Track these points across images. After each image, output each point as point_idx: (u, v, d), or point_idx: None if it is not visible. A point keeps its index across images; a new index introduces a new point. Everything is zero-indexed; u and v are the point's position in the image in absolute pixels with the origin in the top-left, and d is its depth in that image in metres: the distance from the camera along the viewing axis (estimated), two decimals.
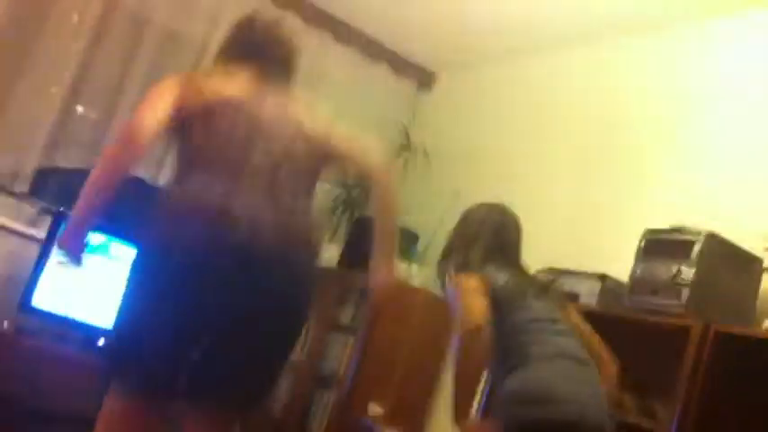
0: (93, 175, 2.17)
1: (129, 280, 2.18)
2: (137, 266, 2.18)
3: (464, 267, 2.53)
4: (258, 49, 2.40)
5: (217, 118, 2.24)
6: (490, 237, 2.62)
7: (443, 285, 2.64)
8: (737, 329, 2.59)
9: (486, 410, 3.00)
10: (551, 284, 2.67)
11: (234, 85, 2.32)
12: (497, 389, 2.39)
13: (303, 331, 2.33)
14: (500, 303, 2.44)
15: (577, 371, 2.34)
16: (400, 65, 5.10)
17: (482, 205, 2.76)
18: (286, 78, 2.43)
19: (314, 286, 2.27)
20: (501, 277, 2.50)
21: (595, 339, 2.51)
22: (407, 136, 4.75)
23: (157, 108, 2.18)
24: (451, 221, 4.12)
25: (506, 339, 2.41)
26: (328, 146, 2.37)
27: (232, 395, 2.21)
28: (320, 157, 2.36)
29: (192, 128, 2.22)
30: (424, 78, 5.20)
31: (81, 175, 3.92)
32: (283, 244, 2.16)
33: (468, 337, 2.33)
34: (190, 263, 2.09)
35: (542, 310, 2.47)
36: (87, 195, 2.18)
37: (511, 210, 2.73)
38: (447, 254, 2.68)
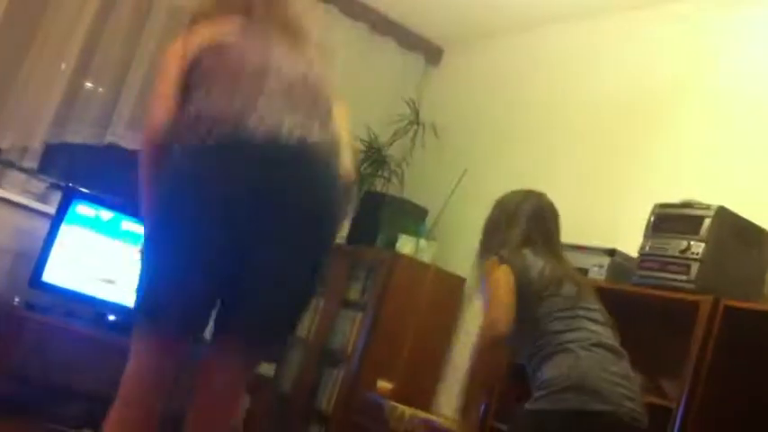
0: (141, 154, 2.18)
1: (154, 220, 2.10)
2: (161, 203, 2.09)
3: (500, 249, 2.49)
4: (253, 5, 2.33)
5: (225, 48, 2.19)
6: (526, 222, 2.57)
7: (480, 275, 2.58)
8: (747, 304, 2.57)
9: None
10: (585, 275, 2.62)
11: (235, 22, 2.26)
12: (531, 376, 2.37)
13: (330, 249, 2.21)
14: (535, 289, 2.41)
15: (614, 361, 2.32)
16: (408, 39, 5.07)
17: (517, 192, 2.70)
18: (288, 34, 2.33)
19: (339, 203, 2.19)
20: (538, 263, 2.46)
21: None
22: (416, 111, 4.73)
23: (168, 90, 2.17)
24: (460, 196, 4.13)
25: (541, 326, 2.39)
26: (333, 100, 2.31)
27: (264, 330, 2.16)
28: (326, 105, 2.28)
29: (203, 61, 2.17)
30: (431, 53, 5.17)
31: (90, 150, 3.99)
32: (307, 153, 2.10)
33: (490, 344, 2.32)
34: (218, 186, 2.02)
35: (579, 299, 2.44)
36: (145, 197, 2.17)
37: (547, 197, 2.68)
38: (482, 242, 2.63)
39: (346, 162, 2.25)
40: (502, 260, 2.45)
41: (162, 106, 2.17)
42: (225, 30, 2.24)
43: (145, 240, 2.13)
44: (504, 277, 2.41)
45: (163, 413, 2.10)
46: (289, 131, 2.08)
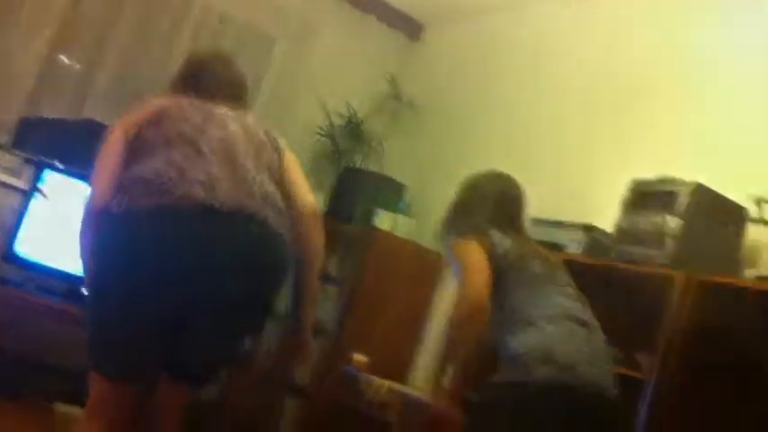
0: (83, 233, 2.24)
1: (96, 266, 2.18)
2: (100, 253, 2.17)
3: (466, 232, 2.48)
4: (200, 76, 2.46)
5: (165, 114, 2.27)
6: (493, 204, 2.58)
7: (448, 255, 2.59)
8: (720, 279, 2.58)
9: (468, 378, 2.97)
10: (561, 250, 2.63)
11: (180, 97, 2.38)
12: (501, 349, 2.37)
13: (279, 289, 2.31)
14: (503, 266, 2.41)
15: (583, 335, 2.32)
16: (389, 15, 5.03)
17: (483, 173, 2.70)
18: (233, 100, 2.45)
19: (285, 248, 2.26)
20: (505, 241, 2.46)
21: None
22: (396, 87, 4.70)
23: (111, 155, 2.23)
24: (437, 173, 4.13)
25: (510, 301, 2.39)
26: (280, 154, 2.40)
27: (211, 367, 2.32)
28: (273, 156, 2.38)
29: (142, 132, 2.25)
30: (412, 30, 5.14)
31: (65, 125, 3.93)
32: (246, 204, 2.17)
33: (466, 319, 2.31)
34: (153, 238, 2.10)
35: (547, 274, 2.45)
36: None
37: (512, 177, 2.68)
38: (448, 223, 2.63)
39: (306, 202, 2.39)
40: (470, 239, 2.45)
41: (102, 180, 2.21)
42: (168, 101, 2.33)
43: (86, 300, 2.23)
44: (476, 253, 2.40)
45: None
46: (224, 195, 2.14)
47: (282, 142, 2.46)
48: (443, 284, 3.96)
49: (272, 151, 2.36)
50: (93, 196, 2.22)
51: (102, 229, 2.16)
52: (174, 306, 2.12)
